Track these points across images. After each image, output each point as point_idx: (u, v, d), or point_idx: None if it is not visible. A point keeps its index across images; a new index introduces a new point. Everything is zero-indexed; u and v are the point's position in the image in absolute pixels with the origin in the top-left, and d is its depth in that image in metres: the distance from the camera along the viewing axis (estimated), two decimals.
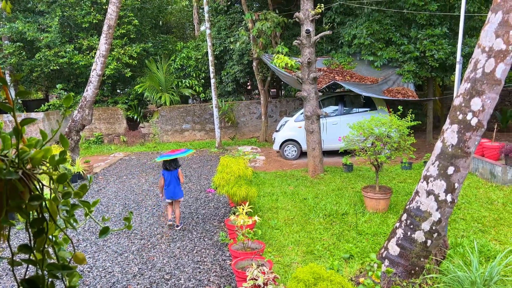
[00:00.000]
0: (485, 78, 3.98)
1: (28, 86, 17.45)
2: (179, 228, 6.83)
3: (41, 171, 1.42)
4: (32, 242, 1.37)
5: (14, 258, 1.35)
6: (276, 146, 12.33)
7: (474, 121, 4.06)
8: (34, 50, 16.05)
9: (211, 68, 13.92)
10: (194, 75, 16.81)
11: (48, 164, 1.42)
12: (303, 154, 11.96)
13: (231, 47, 15.16)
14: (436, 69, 12.30)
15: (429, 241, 4.27)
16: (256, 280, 3.93)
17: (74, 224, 1.51)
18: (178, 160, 6.85)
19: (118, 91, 18.62)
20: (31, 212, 1.36)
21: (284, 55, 11.96)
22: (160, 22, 20.03)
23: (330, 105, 12.16)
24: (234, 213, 6.25)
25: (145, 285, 4.98)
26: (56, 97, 19.09)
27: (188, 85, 16.69)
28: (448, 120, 4.27)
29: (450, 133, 4.20)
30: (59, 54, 15.53)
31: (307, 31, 9.04)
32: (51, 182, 1.43)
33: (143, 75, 16.81)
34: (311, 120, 9.54)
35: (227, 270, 5.25)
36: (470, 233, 5.93)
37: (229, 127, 16.28)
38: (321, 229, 6.40)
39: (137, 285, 5.00)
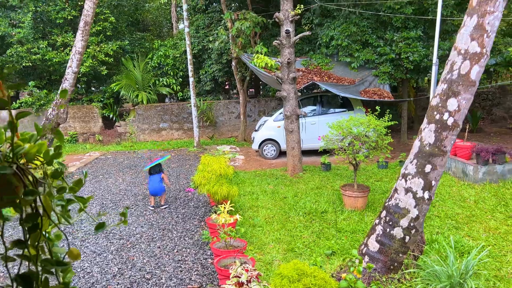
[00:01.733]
0: (461, 80, 4.13)
1: None
2: (164, 207, 7.81)
3: (35, 166, 1.40)
4: (26, 237, 1.35)
5: (7, 254, 1.33)
6: (255, 146, 12.37)
7: (450, 121, 4.21)
8: (5, 46, 15.52)
9: (190, 67, 13.83)
10: (171, 73, 16.64)
11: (42, 159, 1.40)
12: (282, 153, 12.04)
13: (210, 46, 15.11)
14: (411, 71, 12.63)
15: (407, 237, 4.40)
16: (240, 277, 3.95)
17: (64, 220, 1.51)
18: (161, 165, 7.70)
19: (93, 89, 18.22)
20: (25, 207, 1.34)
21: (263, 55, 12.02)
22: (137, 19, 19.73)
23: (309, 105, 12.30)
24: (215, 212, 6.24)
25: (126, 285, 4.91)
26: (28, 95, 18.52)
27: (165, 83, 16.52)
28: (425, 120, 4.41)
29: (427, 132, 4.34)
30: (32, 50, 15.08)
31: (287, 32, 9.12)
32: (45, 177, 1.42)
33: (119, 73, 16.52)
34: (291, 119, 9.63)
35: (209, 269, 5.24)
36: (444, 229, 6.13)
37: (207, 126, 16.21)
38: (301, 227, 6.48)
39: (117, 285, 4.93)
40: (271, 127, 12.04)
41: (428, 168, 4.31)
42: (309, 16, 13.69)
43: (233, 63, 14.24)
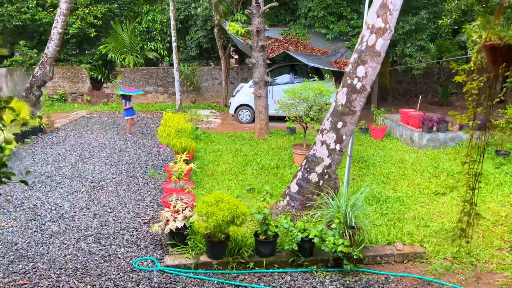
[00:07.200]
0: (368, 50, 4.90)
1: None
2: (130, 135, 10.98)
3: None
4: None
5: None
6: (231, 110, 13.16)
7: (359, 85, 5.01)
8: None
9: (173, 32, 14.37)
10: (159, 38, 17.19)
11: None
12: None
13: (192, 13, 15.60)
14: None
15: (321, 181, 5.29)
16: (175, 206, 4.86)
17: None
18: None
19: (84, 51, 18.73)
20: None
21: (243, 23, 12.62)
22: None
23: (283, 73, 13.01)
24: (175, 162, 7.11)
25: (90, 216, 5.84)
26: (19, 54, 19.04)
27: (153, 48, 17.09)
28: (341, 84, 5.21)
29: (341, 95, 5.15)
30: (21, 9, 15.54)
31: (257, 2, 9.73)
32: None
33: (108, 36, 17.03)
34: (259, 85, 10.38)
35: (163, 207, 6.16)
36: (374, 184, 7.05)
37: (191, 91, 16.92)
38: (251, 178, 7.39)
39: (82, 215, 5.86)
40: (246, 93, 12.78)
41: (340, 124, 5.15)
42: None
43: (215, 30, 14.80)
